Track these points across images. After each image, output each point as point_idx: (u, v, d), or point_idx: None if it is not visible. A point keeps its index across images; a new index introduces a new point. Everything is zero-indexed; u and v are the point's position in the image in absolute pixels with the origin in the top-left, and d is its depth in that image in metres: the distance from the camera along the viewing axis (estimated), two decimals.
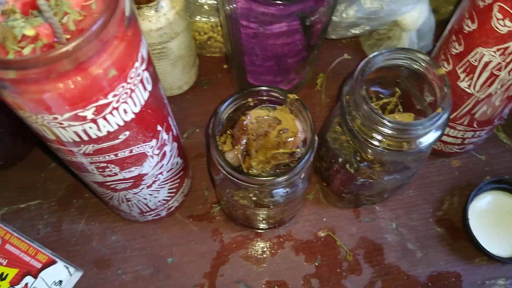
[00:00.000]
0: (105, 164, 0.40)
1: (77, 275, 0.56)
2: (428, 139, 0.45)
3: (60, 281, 0.54)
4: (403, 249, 0.59)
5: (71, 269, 0.55)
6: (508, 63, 0.44)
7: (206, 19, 0.61)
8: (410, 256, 0.59)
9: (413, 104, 0.52)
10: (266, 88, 0.46)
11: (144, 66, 0.35)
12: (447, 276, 0.58)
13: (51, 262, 0.54)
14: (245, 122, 0.47)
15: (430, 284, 0.58)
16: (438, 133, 0.46)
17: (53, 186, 0.62)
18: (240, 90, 0.46)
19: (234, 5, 0.49)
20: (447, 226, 0.61)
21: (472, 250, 0.59)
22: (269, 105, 0.48)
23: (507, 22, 0.41)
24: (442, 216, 0.61)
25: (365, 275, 0.58)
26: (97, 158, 0.39)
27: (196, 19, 0.61)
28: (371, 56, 0.46)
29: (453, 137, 0.58)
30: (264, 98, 0.47)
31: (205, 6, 0.60)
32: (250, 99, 0.47)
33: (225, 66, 0.69)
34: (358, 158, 0.50)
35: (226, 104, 0.45)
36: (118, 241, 0.59)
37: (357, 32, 0.63)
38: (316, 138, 0.46)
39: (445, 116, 0.43)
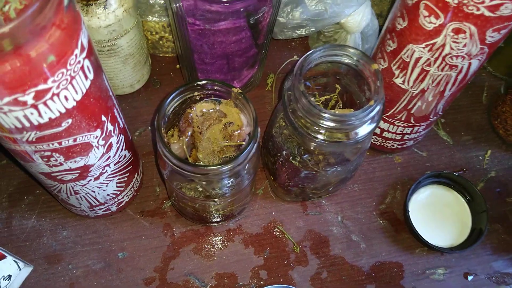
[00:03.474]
0: (49, 153, 0.41)
1: (27, 270, 0.56)
2: (363, 130, 0.48)
3: (10, 276, 0.54)
4: (348, 241, 0.62)
5: (20, 264, 0.55)
6: (436, 59, 0.47)
7: (158, 19, 0.63)
8: (355, 248, 0.61)
9: (353, 100, 0.55)
10: (210, 82, 0.48)
11: (84, 54, 0.36)
12: (389, 266, 0.61)
13: (0, 257, 0.54)
14: (190, 115, 0.49)
15: (373, 274, 0.60)
16: (373, 125, 0.48)
17: (4, 183, 0.62)
18: (185, 84, 0.48)
19: (180, 3, 0.50)
20: (389, 218, 0.64)
21: (413, 241, 0.62)
22: (214, 98, 0.50)
23: (432, 19, 0.44)
24: (385, 209, 0.64)
25: (311, 266, 0.60)
26: (40, 147, 0.40)
27: (148, 18, 0.63)
28: (309, 52, 0.48)
29: (393, 133, 0.61)
30: (209, 91, 0.49)
31: (156, 6, 0.62)
32: (196, 93, 0.49)
33: (177, 66, 0.71)
34: (301, 151, 0.53)
35: (171, 97, 0.47)
36: (69, 236, 0.59)
37: (303, 33, 0.65)
38: (259, 129, 0.48)
39: (377, 108, 0.46)
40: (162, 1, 0.62)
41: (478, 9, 0.40)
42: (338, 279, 0.59)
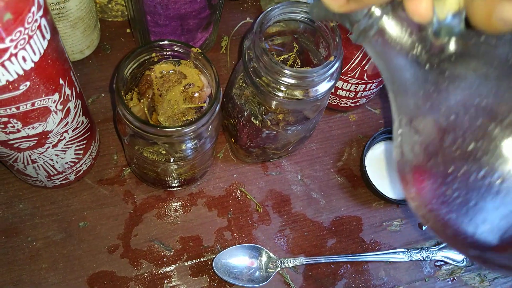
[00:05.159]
0: (6, 119, 0.39)
1: None
2: (323, 88, 0.49)
3: None
4: (308, 198, 0.63)
5: None
6: None
7: None
8: (315, 204, 0.63)
9: (310, 59, 0.56)
10: (168, 42, 0.47)
11: (41, 12, 0.34)
12: (348, 220, 0.63)
13: None
14: (149, 77, 0.48)
15: (333, 228, 0.62)
16: (332, 82, 0.49)
17: None
18: (143, 44, 0.47)
19: None
20: (346, 175, 0.66)
21: (370, 195, 0.65)
22: (173, 59, 0.49)
23: None
24: (342, 166, 0.66)
25: (274, 224, 0.61)
26: None
27: None
28: (268, 9, 0.48)
29: (347, 90, 0.62)
30: (168, 52, 0.48)
31: None
32: (153, 54, 0.48)
33: (128, 31, 0.69)
34: (263, 111, 0.53)
35: (130, 58, 0.46)
36: (26, 209, 0.57)
37: None
38: (221, 90, 0.48)
39: (337, 64, 0.47)
40: None
41: None
42: (300, 235, 0.61)
